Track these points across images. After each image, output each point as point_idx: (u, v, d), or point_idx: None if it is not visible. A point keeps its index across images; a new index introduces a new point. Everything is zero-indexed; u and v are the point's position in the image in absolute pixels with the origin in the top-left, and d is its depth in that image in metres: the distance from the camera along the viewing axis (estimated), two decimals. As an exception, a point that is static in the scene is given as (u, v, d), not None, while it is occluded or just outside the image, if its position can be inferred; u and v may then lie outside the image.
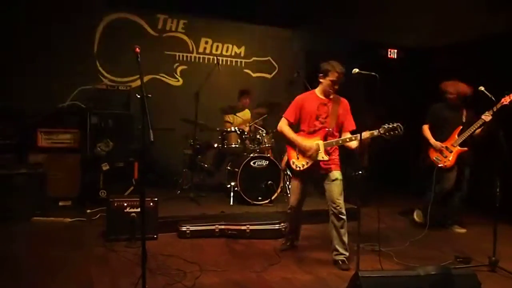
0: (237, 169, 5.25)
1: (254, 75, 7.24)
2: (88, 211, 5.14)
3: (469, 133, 4.89)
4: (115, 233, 4.17)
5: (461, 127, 4.98)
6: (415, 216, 5.41)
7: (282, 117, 3.96)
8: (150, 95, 2.57)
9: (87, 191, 5.49)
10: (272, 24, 7.22)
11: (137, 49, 2.74)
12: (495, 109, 4.47)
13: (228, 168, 5.54)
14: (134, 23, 6.53)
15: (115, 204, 4.22)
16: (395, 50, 7.95)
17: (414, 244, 4.63)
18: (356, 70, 3.35)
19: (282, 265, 3.79)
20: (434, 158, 5.08)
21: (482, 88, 4.05)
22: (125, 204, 4.23)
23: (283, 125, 3.92)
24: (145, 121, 2.48)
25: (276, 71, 7.43)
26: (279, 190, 5.36)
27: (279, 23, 7.23)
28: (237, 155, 5.61)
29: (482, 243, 4.39)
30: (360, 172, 5.52)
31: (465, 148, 4.96)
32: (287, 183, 5.81)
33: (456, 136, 5.00)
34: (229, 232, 4.44)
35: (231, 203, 5.28)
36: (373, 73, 3.30)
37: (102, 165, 5.49)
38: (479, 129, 4.82)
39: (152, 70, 6.62)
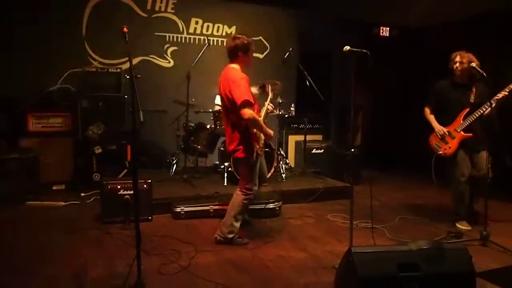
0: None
1: (245, 54, 7.17)
2: (82, 194, 5.14)
3: (476, 116, 4.22)
4: (109, 216, 4.17)
5: (468, 109, 4.31)
6: (460, 227, 4.43)
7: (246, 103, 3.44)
8: (139, 76, 2.51)
9: (80, 175, 5.47)
10: (263, 3, 7.12)
11: (125, 29, 2.68)
12: (508, 89, 4.00)
13: (221, 149, 5.53)
14: (122, 4, 6.40)
15: (109, 187, 4.22)
16: (387, 28, 7.88)
17: (406, 220, 4.69)
18: (347, 47, 3.31)
19: (276, 243, 3.83)
20: (434, 145, 4.51)
21: (473, 64, 4.03)
22: (119, 187, 4.23)
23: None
24: (135, 101, 2.44)
25: (268, 51, 7.36)
26: (272, 170, 5.36)
27: (270, 2, 7.14)
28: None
29: (473, 218, 4.46)
30: (352, 150, 5.59)
31: (470, 134, 4.29)
32: (281, 163, 5.83)
33: (461, 120, 4.34)
34: (224, 212, 4.43)
35: (225, 184, 5.29)
36: (364, 50, 3.25)
37: (94, 148, 5.46)
38: (488, 110, 4.09)
39: (142, 52, 6.52)
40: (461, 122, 4.33)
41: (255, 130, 3.58)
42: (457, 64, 4.30)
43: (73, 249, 3.57)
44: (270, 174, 5.35)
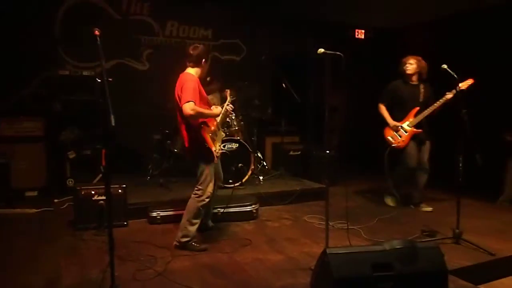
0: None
1: (222, 57, 7.15)
2: (56, 200, 5.03)
3: (426, 114, 4.85)
4: (83, 222, 4.10)
5: (418, 108, 4.93)
6: (387, 202, 5.38)
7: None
8: (110, 79, 2.48)
9: (54, 181, 5.36)
10: (239, 6, 7.12)
11: (96, 31, 2.64)
12: (457, 89, 4.36)
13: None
14: (97, 6, 6.31)
15: (82, 193, 4.15)
16: (363, 31, 8.00)
17: (382, 221, 4.75)
18: (321, 50, 3.35)
19: (253, 246, 3.83)
20: (388, 138, 5.08)
21: (445, 66, 4.12)
22: (93, 192, 4.16)
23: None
24: (106, 105, 2.41)
25: (244, 53, 7.36)
26: (249, 172, 5.37)
27: (247, 5, 7.14)
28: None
29: (446, 217, 4.53)
30: (328, 152, 5.64)
31: (420, 130, 4.94)
32: (258, 165, 5.84)
33: (413, 117, 4.95)
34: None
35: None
36: (338, 53, 3.29)
37: (68, 153, 5.36)
38: (438, 108, 4.79)
39: (117, 55, 6.43)
40: (413, 118, 4.94)
41: (212, 127, 3.70)
42: (409, 67, 4.95)
43: (46, 256, 3.50)
44: (247, 176, 5.36)
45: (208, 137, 3.61)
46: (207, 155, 3.60)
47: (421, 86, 4.99)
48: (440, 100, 4.75)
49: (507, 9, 5.92)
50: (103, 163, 5.52)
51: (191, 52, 3.68)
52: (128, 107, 6.07)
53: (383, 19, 7.49)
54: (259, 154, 6.08)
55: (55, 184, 5.33)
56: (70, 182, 5.32)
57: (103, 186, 4.17)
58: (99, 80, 2.51)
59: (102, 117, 2.42)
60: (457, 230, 3.98)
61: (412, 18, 7.19)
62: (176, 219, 4.43)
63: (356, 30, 7.90)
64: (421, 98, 4.95)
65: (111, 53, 6.37)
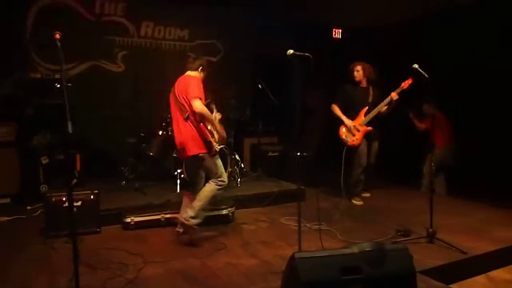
0: (182, 156, 5.18)
1: (199, 58, 7.08)
2: (29, 207, 4.92)
3: (375, 113, 5.22)
4: (54, 229, 4.00)
5: (367, 108, 5.29)
6: (354, 202, 5.56)
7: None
8: (70, 84, 2.42)
9: (27, 187, 5.23)
10: (216, 5, 7.06)
11: (57, 35, 2.58)
12: (399, 90, 5.00)
13: (174, 155, 5.44)
14: (69, 8, 6.19)
15: (53, 199, 4.06)
16: (340, 30, 8.02)
17: (358, 221, 4.77)
18: (290, 51, 3.33)
19: (227, 250, 3.80)
20: (343, 137, 5.36)
21: (416, 65, 4.14)
22: (64, 199, 4.07)
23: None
24: (66, 111, 2.36)
25: (221, 54, 7.31)
26: (226, 174, 5.32)
27: (224, 4, 7.09)
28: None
29: (421, 215, 4.56)
30: (305, 154, 5.66)
31: (370, 128, 5.29)
32: (235, 167, 5.81)
33: (363, 116, 5.30)
34: (176, 220, 4.36)
35: (178, 191, 5.21)
36: (307, 54, 3.28)
37: (41, 158, 5.24)
38: (385, 107, 5.20)
39: (92, 57, 6.33)
40: (363, 118, 5.29)
41: (209, 127, 3.93)
42: (356, 74, 5.36)
43: (16, 265, 3.42)
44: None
45: (208, 131, 3.91)
46: (211, 148, 3.83)
47: (370, 89, 5.38)
48: (385, 100, 5.13)
49: (480, 7, 5.99)
50: (78, 167, 5.48)
51: (191, 60, 4.05)
52: (103, 110, 6.02)
53: (360, 19, 7.52)
54: (236, 156, 6.04)
55: (28, 190, 5.20)
56: (44, 188, 5.20)
57: (75, 193, 4.13)
58: (57, 85, 2.43)
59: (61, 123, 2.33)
60: (430, 229, 4.01)
61: (388, 17, 7.23)
62: (151, 224, 4.40)
63: (334, 30, 7.92)
64: (370, 99, 5.33)
65: (85, 55, 6.28)
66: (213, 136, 3.95)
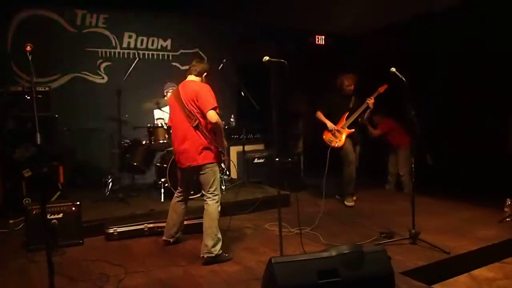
0: (165, 165, 5.16)
1: (182, 67, 7.09)
2: (11, 221, 4.85)
3: (354, 117, 5.58)
4: (35, 243, 3.94)
5: (348, 112, 5.63)
6: (346, 203, 5.70)
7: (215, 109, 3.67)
8: (40, 96, 2.42)
9: (9, 201, 5.18)
10: (198, 14, 7.10)
11: (28, 47, 2.58)
12: (375, 94, 5.37)
13: (157, 164, 5.43)
14: (50, 20, 6.20)
15: (34, 212, 4.01)
16: (323, 37, 8.09)
17: (342, 224, 4.79)
18: (266, 58, 3.36)
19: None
20: (327, 140, 5.63)
21: (393, 69, 4.19)
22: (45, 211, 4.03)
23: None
24: (34, 123, 2.35)
25: (205, 62, 7.30)
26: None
27: (205, 13, 7.13)
28: (166, 151, 5.50)
29: (405, 217, 4.58)
30: (290, 159, 5.71)
31: (352, 130, 5.61)
32: (221, 175, 5.79)
33: (344, 120, 5.63)
34: (159, 229, 4.36)
35: (162, 200, 5.19)
36: (282, 60, 3.31)
37: (23, 171, 5.20)
38: (364, 113, 5.58)
39: (74, 68, 6.33)
40: (345, 121, 5.62)
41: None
42: (349, 88, 5.65)
43: (-6, 280, 3.37)
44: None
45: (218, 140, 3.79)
46: (220, 157, 3.81)
47: (352, 97, 5.72)
48: (363, 106, 5.52)
49: (463, 10, 6.07)
50: (61, 180, 5.43)
51: (195, 63, 3.89)
52: (86, 121, 6.01)
53: (343, 26, 7.59)
54: (222, 164, 6.03)
55: (10, 204, 5.15)
56: (27, 201, 5.15)
57: (55, 205, 4.11)
58: (28, 97, 2.43)
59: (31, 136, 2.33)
60: (413, 231, 4.03)
61: (369, 24, 7.31)
62: (134, 234, 4.37)
63: (316, 36, 7.99)
64: (350, 105, 5.68)
65: (68, 67, 6.28)
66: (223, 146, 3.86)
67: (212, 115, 3.55)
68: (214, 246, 3.60)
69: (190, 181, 3.96)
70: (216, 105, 3.60)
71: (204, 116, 3.62)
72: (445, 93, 6.38)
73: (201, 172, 3.71)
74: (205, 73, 3.88)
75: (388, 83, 5.15)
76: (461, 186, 5.85)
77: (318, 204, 5.36)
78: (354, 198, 5.78)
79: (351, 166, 5.61)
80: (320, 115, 5.78)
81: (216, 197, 3.74)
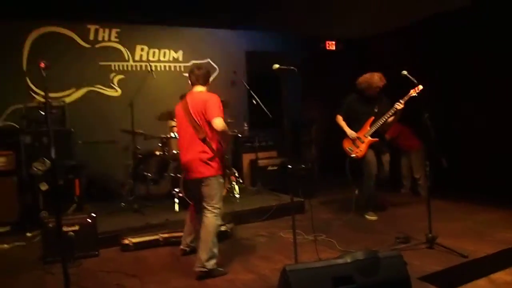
0: (179, 175, 5.19)
1: (194, 78, 7.16)
2: (28, 234, 4.95)
3: (380, 123, 4.99)
4: (52, 255, 3.99)
5: (373, 118, 5.05)
6: (368, 218, 5.22)
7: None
8: (55, 111, 2.47)
9: (26, 214, 5.27)
10: (208, 26, 7.18)
11: (42, 64, 2.64)
12: (406, 98, 4.64)
13: (171, 174, 5.47)
14: (63, 36, 6.33)
15: (50, 225, 4.07)
16: (333, 42, 8.10)
17: (357, 231, 4.74)
18: (276, 65, 3.38)
19: (225, 266, 3.76)
20: (347, 149, 5.15)
21: (405, 72, 4.16)
22: (62, 223, 4.09)
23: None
24: (50, 138, 2.40)
25: (217, 72, 7.38)
26: (224, 191, 5.32)
27: (216, 24, 7.21)
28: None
29: (422, 222, 4.52)
30: (303, 166, 5.65)
31: (376, 139, 5.05)
32: (233, 183, 5.81)
33: (368, 127, 5.06)
34: (174, 239, 4.38)
35: (177, 210, 5.22)
36: (292, 67, 3.32)
37: (40, 185, 5.28)
38: (391, 118, 4.93)
39: (88, 83, 6.44)
40: (368, 128, 5.05)
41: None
42: (373, 88, 4.99)
43: (12, 293, 3.43)
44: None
45: (223, 156, 3.77)
46: (224, 170, 3.77)
47: (378, 100, 5.10)
48: (391, 111, 4.87)
49: (473, 10, 6.01)
50: (77, 193, 5.51)
51: (197, 72, 3.79)
52: (101, 134, 6.10)
53: (353, 30, 7.59)
54: (235, 171, 6.06)
55: (28, 217, 5.24)
56: (44, 214, 5.23)
57: (71, 217, 4.17)
58: (42, 113, 2.48)
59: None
60: (430, 235, 3.97)
61: (378, 27, 7.29)
62: (150, 244, 4.40)
63: (327, 42, 8.00)
64: (376, 110, 5.07)
65: (82, 81, 6.40)
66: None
67: (218, 123, 3.51)
68: (208, 260, 3.51)
69: (198, 193, 3.77)
70: (222, 115, 3.56)
71: (211, 127, 3.57)
72: (457, 94, 6.30)
73: (203, 184, 3.64)
74: (210, 79, 3.91)
75: (422, 85, 4.46)
76: (478, 188, 5.75)
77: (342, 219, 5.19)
78: (373, 218, 5.21)
79: (370, 181, 5.09)
80: (340, 120, 5.26)
81: (216, 211, 3.65)
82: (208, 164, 3.61)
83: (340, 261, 2.65)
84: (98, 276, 3.67)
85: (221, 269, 3.63)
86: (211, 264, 3.53)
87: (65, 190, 5.39)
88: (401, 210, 5.59)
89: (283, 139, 7.61)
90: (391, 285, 2.60)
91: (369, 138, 5.06)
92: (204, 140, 3.59)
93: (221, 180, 3.73)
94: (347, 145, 5.18)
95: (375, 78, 5.00)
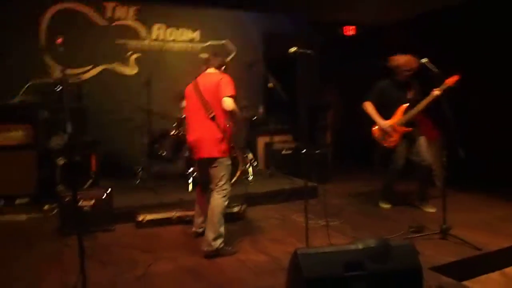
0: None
1: (211, 58, 7.13)
2: (46, 207, 5.05)
3: (416, 111, 4.65)
4: (69, 227, 4.09)
5: (407, 105, 4.74)
6: (382, 206, 5.13)
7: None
8: (71, 87, 2.48)
9: (44, 187, 5.37)
10: (227, 6, 7.10)
11: (59, 40, 2.64)
12: (444, 87, 4.28)
13: (186, 155, 5.49)
14: (81, 13, 6.33)
15: (67, 199, 4.15)
16: (352, 28, 7.95)
17: (370, 218, 4.73)
18: (293, 48, 3.35)
19: (237, 247, 3.80)
20: (379, 138, 4.90)
21: (425, 59, 4.06)
22: (78, 198, 4.16)
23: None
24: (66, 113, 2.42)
25: (233, 54, 7.32)
26: (238, 173, 5.34)
27: (235, 5, 7.13)
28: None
29: (437, 212, 4.51)
30: (317, 151, 5.61)
31: (410, 128, 4.76)
32: (247, 165, 5.82)
33: (402, 115, 4.75)
34: (187, 218, 4.42)
35: (190, 190, 5.26)
36: (308, 51, 3.28)
37: (57, 159, 5.37)
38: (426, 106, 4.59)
39: (105, 60, 6.46)
40: (402, 117, 4.74)
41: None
42: (405, 72, 4.67)
43: (28, 264, 3.51)
44: (235, 178, 5.32)
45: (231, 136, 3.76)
46: (231, 152, 3.77)
47: (410, 86, 4.81)
48: (427, 98, 4.51)
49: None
50: (93, 168, 5.59)
51: (213, 61, 3.85)
52: (117, 112, 6.14)
53: (371, 16, 7.43)
54: (250, 154, 6.06)
55: (45, 190, 5.34)
56: (61, 188, 5.33)
57: (88, 192, 4.24)
58: (58, 89, 2.50)
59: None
60: (444, 225, 3.93)
61: (398, 14, 7.11)
62: (163, 222, 4.46)
63: (345, 27, 7.86)
64: (409, 95, 4.79)
65: (98, 59, 6.42)
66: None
67: (229, 102, 3.49)
68: (215, 240, 3.54)
69: (206, 172, 3.80)
70: (234, 94, 3.54)
71: (221, 107, 3.55)
72: (475, 85, 6.11)
73: (213, 165, 3.65)
74: (224, 67, 3.86)
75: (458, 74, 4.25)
76: (495, 181, 5.64)
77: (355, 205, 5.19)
78: (431, 209, 4.89)
79: (394, 174, 4.94)
80: (369, 108, 4.88)
81: (224, 192, 3.67)
82: (217, 144, 3.61)
83: (351, 247, 2.63)
84: (113, 250, 3.75)
85: (229, 248, 3.67)
86: (218, 243, 3.56)
87: (81, 165, 5.48)
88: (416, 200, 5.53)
89: (298, 123, 7.60)
90: (402, 273, 2.58)
91: (403, 127, 4.76)
92: (213, 119, 3.60)
93: (229, 162, 3.72)
94: (378, 134, 4.89)
95: (412, 60, 4.63)
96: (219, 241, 3.58)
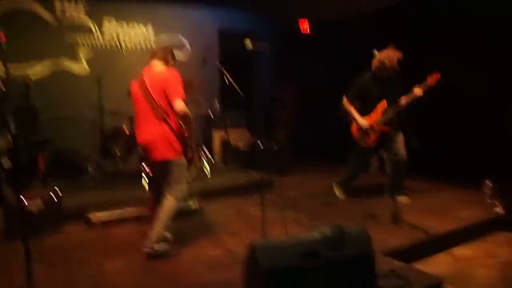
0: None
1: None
2: (-9, 211, 4.78)
3: (396, 111, 4.55)
4: (15, 231, 3.89)
5: (386, 102, 4.60)
6: (337, 192, 5.22)
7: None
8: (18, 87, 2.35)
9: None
10: (180, 2, 6.98)
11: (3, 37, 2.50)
12: (425, 87, 4.32)
13: (140, 152, 5.36)
14: (29, 10, 6.02)
15: (11, 201, 3.95)
16: (308, 24, 7.99)
17: (327, 206, 4.81)
18: (248, 40, 3.33)
19: (193, 242, 3.76)
20: (358, 137, 4.81)
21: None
22: (24, 200, 3.96)
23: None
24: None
25: (186, 48, 7.21)
26: (195, 171, 5.29)
27: (188, 0, 7.02)
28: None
29: (387, 199, 4.65)
30: (273, 146, 5.64)
31: (387, 127, 4.63)
32: (203, 161, 5.77)
33: (381, 114, 4.62)
34: (140, 216, 4.33)
35: (144, 188, 5.13)
36: (263, 42, 3.28)
37: (2, 161, 5.09)
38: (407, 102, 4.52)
39: (54, 57, 6.16)
40: (380, 116, 4.61)
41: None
42: (387, 68, 4.49)
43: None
44: (193, 176, 5.26)
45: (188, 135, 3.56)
46: (187, 152, 3.56)
47: (391, 82, 4.63)
48: (408, 96, 4.46)
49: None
50: (41, 169, 5.35)
51: (160, 52, 3.61)
52: (66, 110, 5.90)
53: (328, 12, 7.48)
54: (205, 150, 6.01)
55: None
56: (6, 191, 5.06)
57: (35, 193, 4.05)
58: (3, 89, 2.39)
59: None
60: (394, 211, 4.06)
61: (354, 9, 7.21)
62: (116, 221, 4.34)
63: (301, 24, 7.88)
64: (389, 92, 4.61)
65: (47, 56, 6.14)
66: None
67: (180, 106, 3.31)
68: (156, 242, 3.40)
69: (160, 175, 3.58)
70: (184, 95, 3.35)
71: (171, 107, 3.38)
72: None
73: (167, 167, 3.48)
74: (170, 56, 3.62)
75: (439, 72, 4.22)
76: (443, 168, 5.87)
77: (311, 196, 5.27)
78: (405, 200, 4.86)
79: (359, 169, 5.09)
80: (348, 105, 4.73)
81: (179, 193, 3.51)
82: (170, 145, 3.43)
83: (307, 236, 2.66)
84: (62, 251, 3.61)
85: (169, 252, 3.48)
86: (159, 246, 3.41)
87: (29, 165, 5.23)
88: (369, 188, 5.68)
89: (254, 119, 7.61)
90: (356, 259, 2.63)
91: (381, 127, 4.65)
92: (164, 121, 3.41)
93: (184, 162, 3.55)
94: (357, 133, 4.79)
95: (397, 55, 4.45)
96: (161, 243, 3.43)
